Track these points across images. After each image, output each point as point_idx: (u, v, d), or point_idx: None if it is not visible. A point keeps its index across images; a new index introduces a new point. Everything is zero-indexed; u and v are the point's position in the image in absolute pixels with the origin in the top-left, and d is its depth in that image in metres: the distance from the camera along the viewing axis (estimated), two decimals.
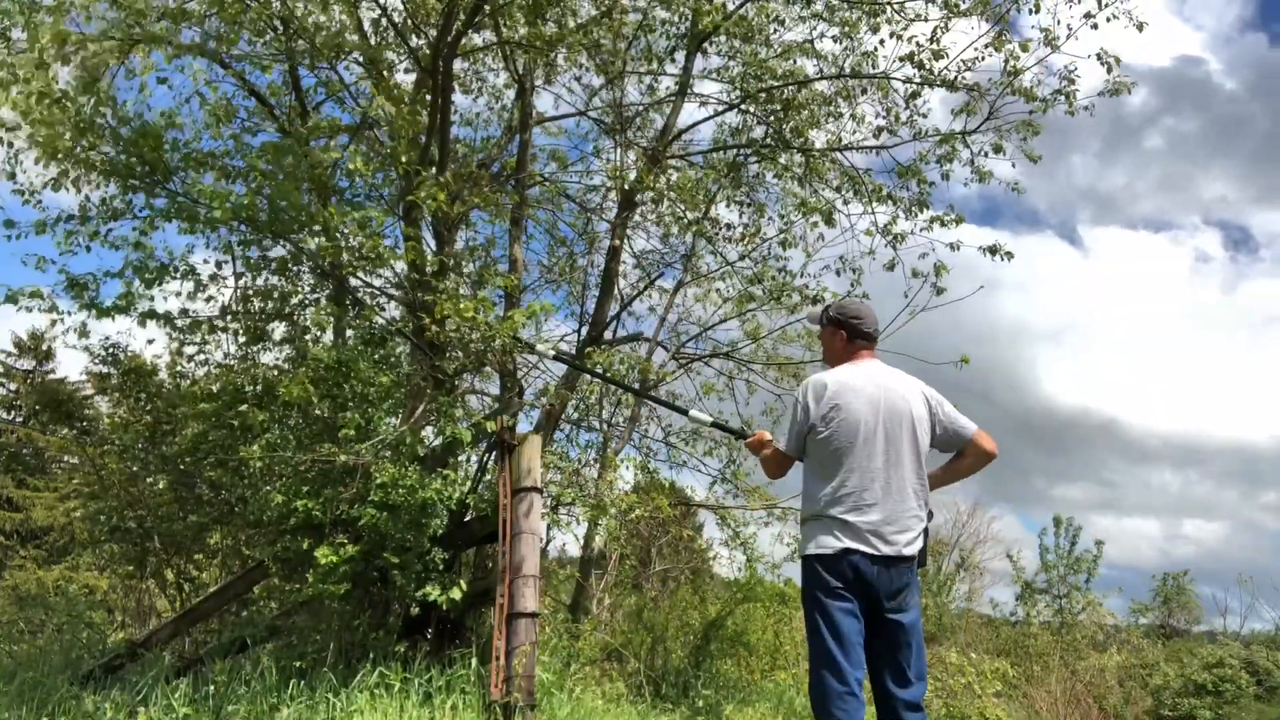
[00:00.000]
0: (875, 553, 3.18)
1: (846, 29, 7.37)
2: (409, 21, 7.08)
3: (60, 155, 5.61)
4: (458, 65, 7.49)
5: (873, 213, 7.76)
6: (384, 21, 7.22)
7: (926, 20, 7.11)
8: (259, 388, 6.34)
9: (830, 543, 3.21)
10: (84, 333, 6.78)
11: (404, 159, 5.86)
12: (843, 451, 3.27)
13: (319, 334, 7.12)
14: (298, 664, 5.59)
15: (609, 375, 6.79)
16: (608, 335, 7.83)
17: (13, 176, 6.29)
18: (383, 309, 7.00)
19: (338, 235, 5.63)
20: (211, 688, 5.40)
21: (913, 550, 3.23)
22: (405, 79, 7.73)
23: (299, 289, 7.27)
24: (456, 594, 5.75)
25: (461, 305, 5.42)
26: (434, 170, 6.09)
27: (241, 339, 7.21)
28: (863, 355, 3.52)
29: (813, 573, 3.23)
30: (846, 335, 3.54)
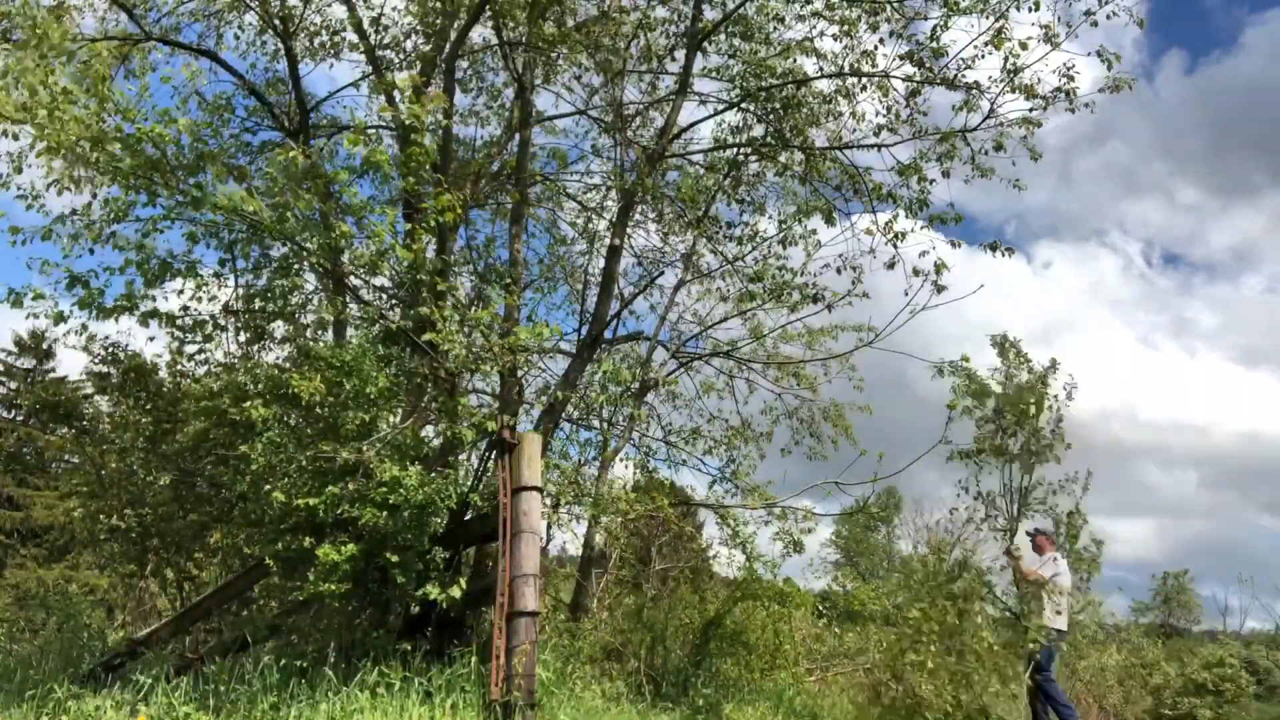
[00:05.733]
0: None
1: (846, 27, 7.36)
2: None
3: (64, 151, 5.54)
4: (458, 64, 7.47)
5: (873, 211, 7.76)
6: (384, 20, 7.22)
7: (927, 19, 7.11)
8: (261, 385, 6.31)
9: None
10: (88, 337, 6.70)
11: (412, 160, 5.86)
12: None
13: (320, 332, 7.10)
14: (298, 663, 5.58)
15: None
16: (607, 334, 7.82)
17: (19, 170, 6.23)
18: (384, 316, 6.99)
19: (341, 240, 5.64)
20: (212, 687, 5.39)
21: None
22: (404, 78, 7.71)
23: (300, 287, 7.25)
24: (456, 592, 5.74)
25: (472, 313, 5.44)
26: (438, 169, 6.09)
27: (242, 337, 7.19)
28: None
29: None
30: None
